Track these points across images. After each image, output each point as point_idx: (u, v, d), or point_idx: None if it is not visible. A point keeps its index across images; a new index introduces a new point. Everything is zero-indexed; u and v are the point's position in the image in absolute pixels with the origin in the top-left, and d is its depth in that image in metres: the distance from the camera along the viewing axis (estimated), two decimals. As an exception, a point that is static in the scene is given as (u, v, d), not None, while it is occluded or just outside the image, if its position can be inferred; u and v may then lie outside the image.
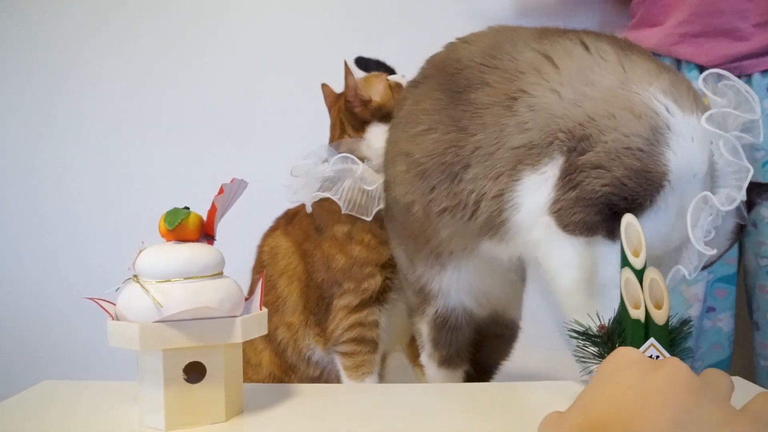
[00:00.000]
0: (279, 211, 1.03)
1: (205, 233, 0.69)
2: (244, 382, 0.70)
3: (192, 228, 0.67)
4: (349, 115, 0.96)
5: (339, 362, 0.92)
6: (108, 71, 1.42)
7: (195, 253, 0.65)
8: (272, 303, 0.95)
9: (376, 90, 0.96)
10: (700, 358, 1.18)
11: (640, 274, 0.60)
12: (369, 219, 0.91)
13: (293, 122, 1.41)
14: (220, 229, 0.70)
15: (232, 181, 0.68)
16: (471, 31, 0.86)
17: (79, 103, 1.42)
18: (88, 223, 1.42)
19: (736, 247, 1.14)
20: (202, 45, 1.42)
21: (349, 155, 0.93)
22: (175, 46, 1.42)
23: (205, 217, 0.69)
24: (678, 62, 1.17)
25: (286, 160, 1.39)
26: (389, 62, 1.05)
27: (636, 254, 0.60)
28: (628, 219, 0.62)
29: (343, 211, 0.90)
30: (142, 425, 0.65)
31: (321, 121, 1.40)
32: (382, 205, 0.91)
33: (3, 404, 0.72)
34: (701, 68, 1.14)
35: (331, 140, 1.01)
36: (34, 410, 0.71)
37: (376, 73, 0.99)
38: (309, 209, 0.94)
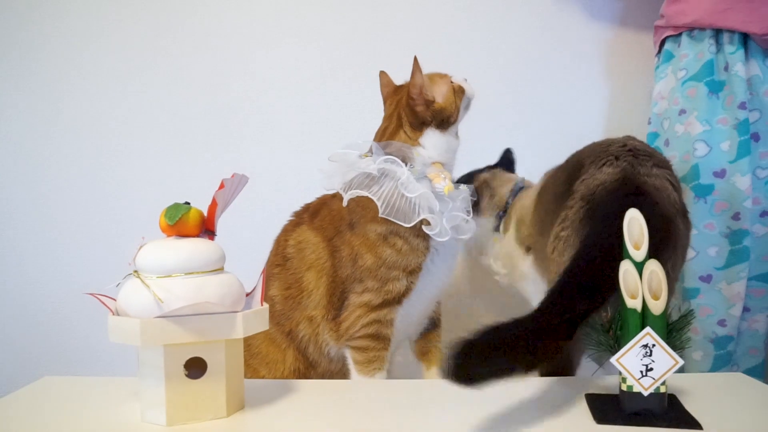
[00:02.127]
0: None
1: (206, 228, 0.69)
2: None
3: (193, 223, 0.67)
4: (410, 112, 0.93)
5: (350, 357, 0.91)
6: (108, 70, 1.42)
7: (196, 248, 0.65)
8: (296, 297, 0.93)
9: (440, 91, 0.93)
10: (735, 362, 1.09)
11: (640, 266, 0.62)
12: (408, 226, 0.88)
13: (294, 119, 1.41)
14: (221, 225, 0.70)
15: (232, 176, 0.68)
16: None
17: (80, 101, 1.42)
18: (89, 218, 1.41)
19: None
20: (203, 43, 1.41)
21: (395, 158, 0.89)
22: (176, 44, 1.41)
23: (205, 213, 0.69)
24: (717, 36, 1.07)
25: (287, 155, 1.40)
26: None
27: (637, 247, 0.62)
28: (631, 213, 0.63)
29: (380, 214, 0.87)
30: (143, 420, 0.65)
31: (321, 118, 1.40)
32: (424, 216, 0.87)
33: (4, 400, 0.72)
34: (746, 41, 1.05)
35: (383, 131, 0.97)
36: (35, 406, 0.71)
37: (441, 73, 0.95)
38: (345, 202, 0.90)
